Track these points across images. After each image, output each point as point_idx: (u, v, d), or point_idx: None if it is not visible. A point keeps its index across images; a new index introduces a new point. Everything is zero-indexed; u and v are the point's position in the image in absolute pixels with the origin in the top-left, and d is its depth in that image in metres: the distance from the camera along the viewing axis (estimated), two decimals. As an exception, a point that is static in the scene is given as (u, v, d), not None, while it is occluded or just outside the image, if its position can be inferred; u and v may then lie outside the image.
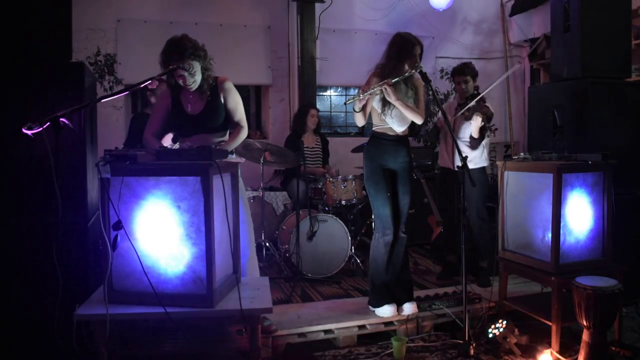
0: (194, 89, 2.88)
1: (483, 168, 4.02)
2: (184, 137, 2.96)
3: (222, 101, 2.96)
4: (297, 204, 4.25)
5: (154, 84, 4.17)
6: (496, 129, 3.68)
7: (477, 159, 3.96)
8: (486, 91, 3.83)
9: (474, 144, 3.85)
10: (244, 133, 3.00)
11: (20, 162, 2.53)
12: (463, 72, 4.03)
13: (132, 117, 4.69)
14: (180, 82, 2.83)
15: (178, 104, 2.95)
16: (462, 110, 3.74)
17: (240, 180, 3.06)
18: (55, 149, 2.06)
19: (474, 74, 4.06)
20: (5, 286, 2.53)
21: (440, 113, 4.35)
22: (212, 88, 2.94)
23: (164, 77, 2.87)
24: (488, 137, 3.78)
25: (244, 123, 3.02)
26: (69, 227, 2.52)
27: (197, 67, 2.82)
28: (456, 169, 3.88)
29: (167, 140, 4.16)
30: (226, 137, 3.02)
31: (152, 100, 4.36)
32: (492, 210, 4.40)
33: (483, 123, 3.60)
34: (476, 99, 3.73)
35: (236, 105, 3.00)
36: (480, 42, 6.92)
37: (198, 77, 2.86)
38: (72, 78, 2.62)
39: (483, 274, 3.94)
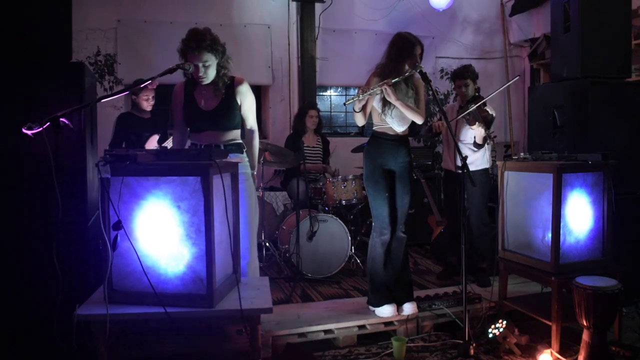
0: (205, 82, 2.89)
1: (485, 170, 4.02)
2: (196, 132, 2.97)
3: (238, 102, 2.99)
4: (297, 204, 4.25)
5: (154, 83, 4.18)
6: (495, 136, 3.70)
7: (479, 160, 3.96)
8: (486, 99, 3.82)
9: (478, 147, 3.86)
10: (257, 139, 3.16)
11: (20, 162, 2.53)
12: (463, 75, 4.01)
13: (118, 118, 4.60)
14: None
15: (191, 99, 2.96)
16: (463, 115, 3.74)
17: (252, 180, 3.06)
18: (55, 149, 2.06)
19: (474, 77, 4.03)
20: (5, 286, 2.52)
21: (438, 115, 4.36)
22: (228, 87, 2.95)
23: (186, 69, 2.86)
24: (488, 144, 3.76)
25: (256, 127, 3.14)
26: (69, 227, 2.51)
27: (212, 60, 2.83)
28: (457, 169, 3.89)
29: (153, 143, 4.18)
30: (237, 136, 3.04)
31: (143, 102, 4.32)
32: (493, 211, 4.40)
33: (486, 134, 3.60)
34: (477, 105, 3.72)
35: (250, 108, 3.06)
36: (480, 42, 6.92)
37: (211, 72, 2.87)
38: (72, 78, 2.61)
39: (483, 274, 3.94)
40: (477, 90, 4.09)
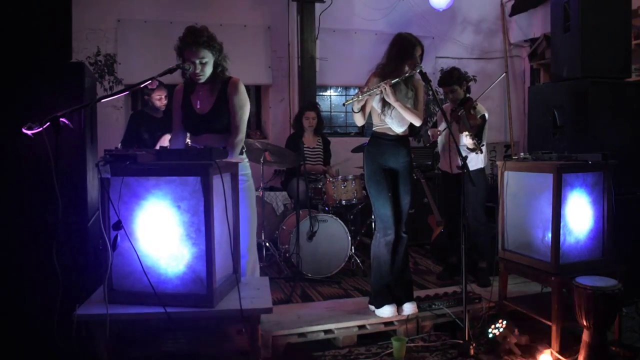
0: (202, 80, 2.87)
1: (482, 169, 4.02)
2: (194, 135, 2.97)
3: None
4: (297, 204, 4.25)
5: (154, 83, 4.19)
6: (483, 145, 3.72)
7: (474, 160, 3.95)
8: (475, 100, 3.80)
9: (471, 151, 3.86)
10: (238, 139, 2.89)
11: (21, 162, 2.53)
12: (447, 82, 3.99)
13: (131, 115, 4.69)
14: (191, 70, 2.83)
15: (188, 102, 2.96)
16: (451, 120, 3.75)
17: (252, 180, 3.06)
18: (55, 149, 2.06)
19: (460, 81, 3.98)
20: (5, 286, 2.52)
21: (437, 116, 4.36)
22: (222, 88, 2.93)
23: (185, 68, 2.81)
24: (477, 154, 3.74)
25: (242, 128, 2.91)
26: (69, 227, 2.51)
27: (208, 57, 2.82)
28: (456, 169, 3.89)
29: (165, 142, 4.19)
30: None
31: (156, 101, 4.38)
32: (492, 210, 4.40)
33: (474, 144, 3.59)
34: (464, 109, 3.72)
35: (241, 106, 2.90)
36: (480, 42, 6.92)
37: (208, 70, 2.86)
38: (72, 78, 2.61)
39: (483, 274, 3.94)
40: (468, 90, 4.06)
